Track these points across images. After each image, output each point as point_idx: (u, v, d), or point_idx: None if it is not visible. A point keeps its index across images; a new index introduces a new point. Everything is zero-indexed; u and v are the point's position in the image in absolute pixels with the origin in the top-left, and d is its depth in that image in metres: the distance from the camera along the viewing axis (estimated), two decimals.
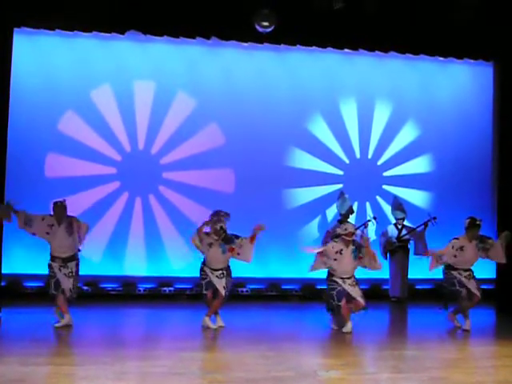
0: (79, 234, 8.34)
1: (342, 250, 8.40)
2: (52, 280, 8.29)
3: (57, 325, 8.16)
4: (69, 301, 8.32)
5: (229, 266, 8.70)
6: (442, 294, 9.06)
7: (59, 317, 8.28)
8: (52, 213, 8.38)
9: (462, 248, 8.74)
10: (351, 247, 8.45)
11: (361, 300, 8.38)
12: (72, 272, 8.33)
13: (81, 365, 6.46)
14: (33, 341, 7.36)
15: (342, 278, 8.43)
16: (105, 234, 11.11)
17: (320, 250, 8.58)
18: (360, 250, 8.46)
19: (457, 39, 11.05)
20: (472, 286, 8.74)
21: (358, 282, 8.62)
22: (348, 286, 8.39)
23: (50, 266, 8.37)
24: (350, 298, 8.40)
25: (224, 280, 8.54)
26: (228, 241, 8.52)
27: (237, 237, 8.62)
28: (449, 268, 8.83)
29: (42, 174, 11.02)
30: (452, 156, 12.24)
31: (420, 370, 6.61)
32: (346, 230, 8.48)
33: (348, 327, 8.36)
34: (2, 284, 9.66)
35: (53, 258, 8.36)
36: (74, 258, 8.41)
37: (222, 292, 8.47)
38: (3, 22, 9.31)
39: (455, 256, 8.73)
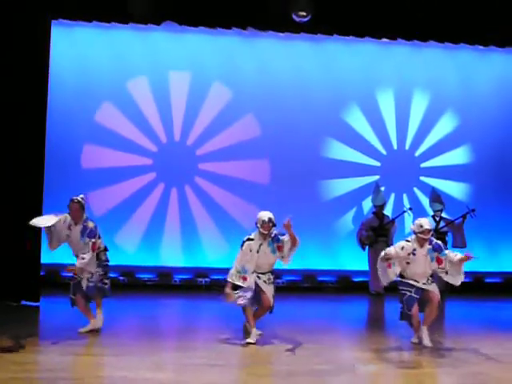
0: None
1: (414, 250, 7.09)
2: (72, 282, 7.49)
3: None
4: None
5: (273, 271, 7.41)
6: None
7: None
8: (68, 210, 7.34)
9: None
10: (427, 247, 7.12)
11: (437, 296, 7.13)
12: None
13: (119, 355, 6.50)
14: (71, 330, 7.41)
15: (414, 280, 7.18)
16: (141, 225, 11.18)
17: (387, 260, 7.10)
18: (440, 251, 7.15)
19: (497, 27, 10.77)
20: None
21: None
22: (423, 286, 7.17)
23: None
24: (425, 302, 7.21)
25: (272, 287, 7.29)
26: (276, 239, 7.25)
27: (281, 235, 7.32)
28: None
29: (78, 165, 11.11)
30: (491, 147, 11.99)
31: (459, 365, 6.53)
32: (421, 226, 7.09)
33: (425, 340, 7.14)
34: (41, 273, 9.74)
35: None
36: None
37: (271, 300, 7.22)
38: (41, 14, 9.37)
39: None
